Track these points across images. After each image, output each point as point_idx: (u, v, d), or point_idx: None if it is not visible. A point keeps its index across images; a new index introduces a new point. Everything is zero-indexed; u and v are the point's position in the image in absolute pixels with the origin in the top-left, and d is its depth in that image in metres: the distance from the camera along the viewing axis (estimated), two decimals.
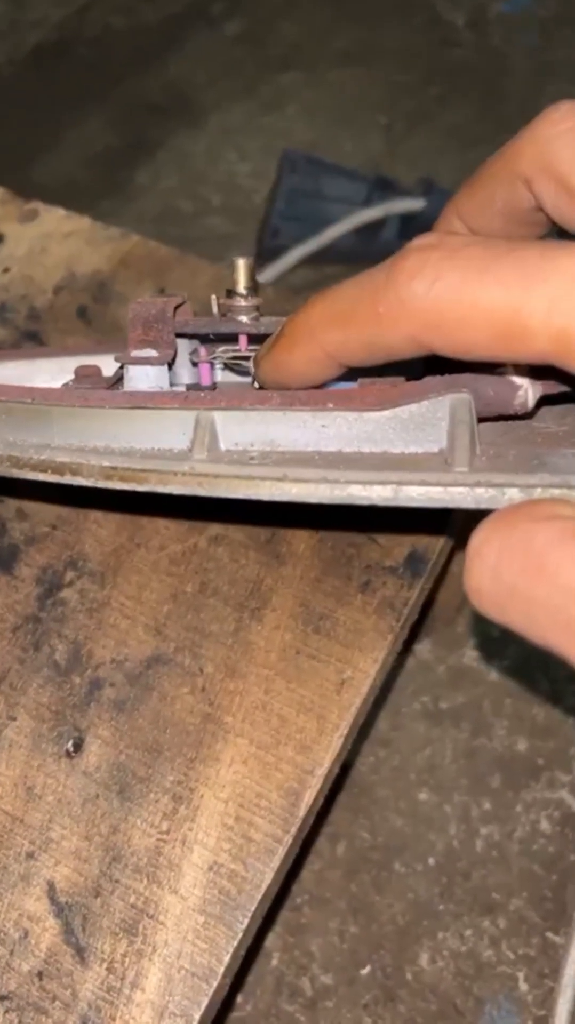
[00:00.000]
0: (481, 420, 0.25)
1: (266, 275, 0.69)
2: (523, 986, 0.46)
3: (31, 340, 0.43)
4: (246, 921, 0.29)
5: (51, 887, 0.30)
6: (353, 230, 0.72)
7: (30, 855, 0.30)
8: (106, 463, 0.27)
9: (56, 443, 0.28)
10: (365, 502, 0.24)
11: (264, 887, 0.29)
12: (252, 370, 0.29)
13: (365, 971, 0.46)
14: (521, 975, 0.46)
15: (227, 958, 0.28)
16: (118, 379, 0.31)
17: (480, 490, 0.23)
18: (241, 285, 0.31)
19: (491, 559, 0.19)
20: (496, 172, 0.27)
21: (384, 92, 0.87)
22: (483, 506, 0.23)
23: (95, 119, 0.90)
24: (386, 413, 0.25)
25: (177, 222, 0.80)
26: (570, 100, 0.24)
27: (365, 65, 0.89)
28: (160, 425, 0.27)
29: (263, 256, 0.74)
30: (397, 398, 0.25)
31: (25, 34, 0.98)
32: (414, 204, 0.70)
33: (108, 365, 0.33)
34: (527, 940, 0.47)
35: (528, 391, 0.25)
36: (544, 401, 0.26)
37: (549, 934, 0.47)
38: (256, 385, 0.30)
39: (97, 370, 0.33)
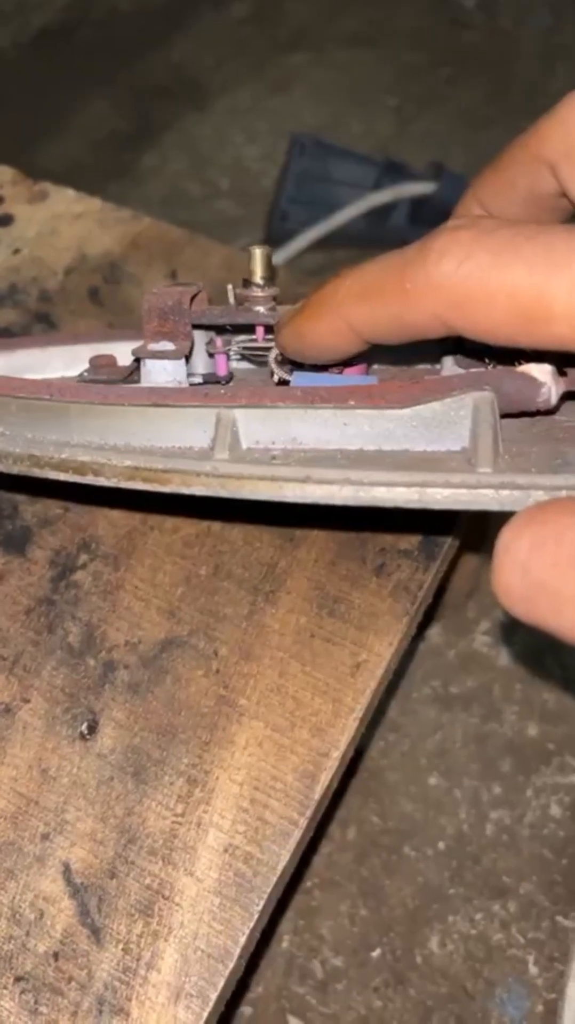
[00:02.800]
0: (503, 416, 0.25)
1: (275, 259, 0.69)
2: (533, 969, 0.46)
3: (42, 322, 0.42)
4: (262, 903, 0.29)
5: (67, 868, 0.30)
6: (363, 214, 0.71)
7: (45, 836, 0.30)
8: (128, 463, 0.27)
9: (75, 440, 0.28)
10: (389, 504, 0.24)
11: (280, 869, 0.29)
12: (273, 368, 0.29)
13: (375, 954, 0.46)
14: (531, 958, 0.46)
15: (243, 939, 0.28)
16: (134, 370, 0.31)
17: (505, 492, 0.23)
18: (258, 275, 0.30)
19: (521, 555, 0.19)
20: (518, 157, 0.26)
21: (393, 73, 0.86)
22: (508, 508, 0.23)
23: (101, 102, 0.89)
24: (408, 411, 0.25)
25: (185, 205, 0.79)
26: (448, 233, 0.22)
27: (374, 46, 0.89)
28: (181, 423, 0.27)
29: (272, 240, 0.74)
30: (419, 395, 0.25)
31: (30, 16, 0.97)
32: (424, 188, 0.69)
33: (122, 353, 0.33)
34: (537, 924, 0.47)
35: (551, 388, 0.25)
36: (566, 396, 0.26)
37: (559, 918, 0.47)
38: (276, 379, 0.29)
39: (112, 360, 0.33)
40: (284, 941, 0.47)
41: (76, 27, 0.94)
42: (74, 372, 0.35)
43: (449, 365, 0.29)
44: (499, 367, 0.26)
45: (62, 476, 0.28)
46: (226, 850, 0.30)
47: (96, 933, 0.29)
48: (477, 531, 0.47)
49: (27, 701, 0.33)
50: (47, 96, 0.89)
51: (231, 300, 0.31)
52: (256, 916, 0.29)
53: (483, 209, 0.28)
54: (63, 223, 0.45)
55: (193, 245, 0.44)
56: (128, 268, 0.44)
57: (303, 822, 0.30)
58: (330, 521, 0.35)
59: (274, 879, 0.29)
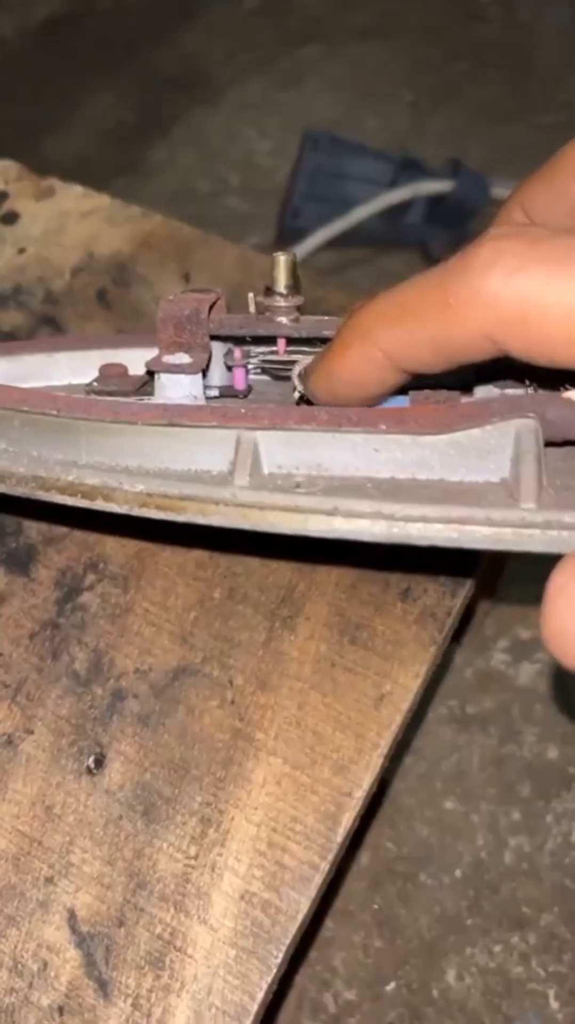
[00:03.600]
0: (546, 444, 0.23)
1: None
2: (554, 1004, 0.44)
3: (48, 325, 0.40)
4: (280, 955, 0.27)
5: (72, 915, 0.28)
6: (378, 212, 0.69)
7: (49, 880, 0.28)
8: (140, 487, 0.25)
9: (84, 460, 0.26)
10: (426, 543, 0.22)
11: (300, 918, 0.27)
12: (296, 383, 0.27)
13: (390, 987, 0.45)
14: (552, 992, 0.45)
15: (261, 995, 0.26)
16: (147, 381, 0.29)
17: (552, 532, 0.21)
18: (282, 283, 0.28)
19: None
20: (569, 165, 0.24)
21: (408, 67, 0.84)
22: (554, 550, 0.21)
23: (108, 94, 0.87)
24: (444, 438, 0.23)
25: (194, 201, 0.77)
26: (491, 241, 0.20)
27: (388, 39, 0.87)
28: (198, 445, 0.25)
29: (283, 238, 0.72)
30: (456, 421, 0.23)
31: (35, 5, 0.95)
32: (442, 186, 0.67)
33: (134, 361, 0.31)
34: (558, 957, 0.45)
35: None
36: None
37: None
38: (298, 395, 0.27)
39: (123, 369, 0.31)
40: (296, 974, 0.45)
41: (83, 17, 0.92)
42: (82, 380, 0.32)
43: (483, 391, 0.27)
44: (542, 392, 0.24)
45: (69, 500, 0.26)
46: (242, 897, 0.28)
47: (103, 986, 0.27)
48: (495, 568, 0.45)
49: (30, 732, 0.31)
50: (52, 87, 0.87)
51: (252, 309, 0.29)
52: (275, 969, 0.27)
53: (527, 218, 0.26)
54: (71, 221, 0.43)
55: (207, 245, 0.42)
56: (138, 269, 0.42)
57: (325, 866, 0.28)
58: (346, 556, 0.33)
59: (293, 929, 0.27)
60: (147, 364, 0.28)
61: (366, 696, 0.31)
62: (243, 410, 0.25)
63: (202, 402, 0.28)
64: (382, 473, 0.24)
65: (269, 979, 0.27)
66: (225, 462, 0.25)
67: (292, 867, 0.28)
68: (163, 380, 0.27)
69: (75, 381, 0.33)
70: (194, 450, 0.25)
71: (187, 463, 0.25)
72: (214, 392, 0.30)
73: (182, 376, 0.27)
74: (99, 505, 0.25)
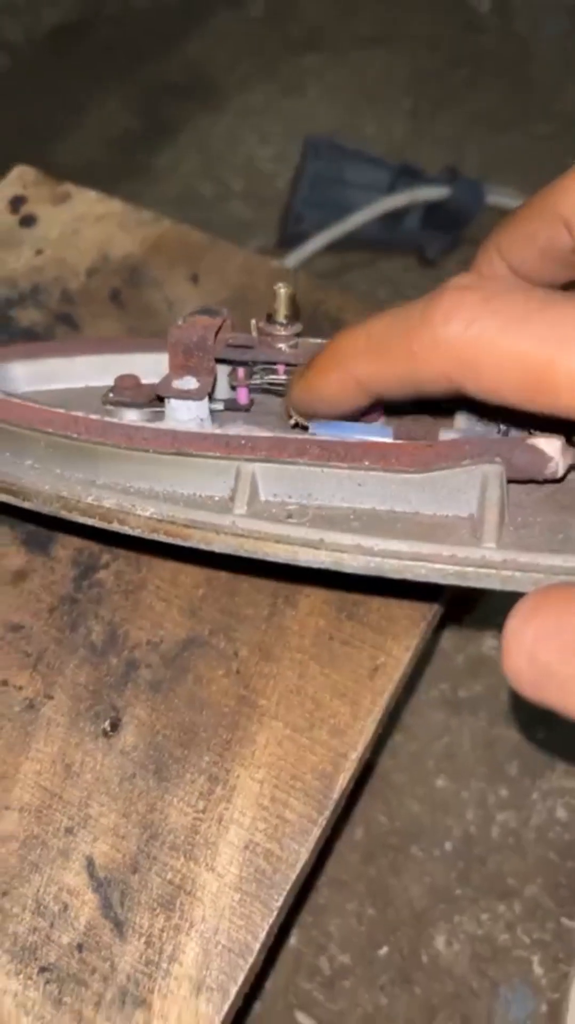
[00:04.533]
0: (510, 482, 0.26)
1: (289, 261, 0.69)
2: (538, 970, 0.47)
3: (64, 323, 0.43)
4: (281, 899, 0.29)
5: (90, 862, 0.30)
6: (376, 218, 0.72)
7: (69, 830, 0.31)
8: (151, 510, 0.28)
9: (101, 481, 0.29)
10: (397, 576, 0.25)
11: (299, 866, 0.30)
12: (286, 401, 0.30)
13: (382, 952, 0.47)
14: (536, 959, 0.47)
15: (263, 935, 0.29)
16: (158, 396, 0.31)
17: (507, 572, 0.24)
18: (282, 314, 0.31)
19: (527, 642, 0.20)
20: (538, 212, 0.27)
21: (408, 75, 0.87)
22: (510, 588, 0.24)
23: (114, 100, 0.90)
24: (420, 476, 0.26)
25: (198, 206, 0.79)
26: (451, 291, 0.23)
27: (388, 47, 0.89)
28: (202, 472, 0.28)
29: (285, 242, 0.74)
30: (431, 460, 0.26)
31: (43, 12, 0.97)
32: (439, 193, 0.70)
33: (146, 368, 0.33)
34: (542, 925, 0.47)
35: (559, 463, 0.25)
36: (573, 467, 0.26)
37: (564, 920, 0.48)
38: (291, 418, 0.30)
39: (136, 380, 0.33)
40: (292, 938, 0.48)
41: (90, 24, 0.95)
42: (99, 382, 0.35)
43: (461, 421, 0.29)
44: (510, 437, 0.27)
45: (89, 521, 0.29)
46: (246, 847, 0.30)
47: (119, 926, 0.29)
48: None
49: (51, 698, 0.33)
50: (60, 93, 0.89)
51: (253, 333, 0.32)
52: (276, 912, 0.29)
53: (502, 258, 0.28)
54: (85, 224, 0.46)
55: (214, 249, 0.45)
56: (149, 271, 0.44)
57: (322, 820, 0.31)
58: (328, 581, 0.35)
59: (293, 876, 0.30)
60: (158, 390, 0.30)
61: (361, 667, 0.33)
62: (243, 441, 0.28)
63: (208, 423, 0.30)
64: (364, 504, 0.27)
65: (271, 920, 0.29)
66: (226, 489, 0.28)
67: (292, 820, 0.31)
68: (173, 403, 0.30)
69: (92, 384, 0.35)
70: (199, 477, 0.28)
71: (193, 488, 0.28)
72: (219, 406, 0.32)
73: (190, 401, 0.30)
74: (114, 527, 0.28)
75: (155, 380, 0.32)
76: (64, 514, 0.29)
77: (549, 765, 0.51)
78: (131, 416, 0.31)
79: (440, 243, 0.71)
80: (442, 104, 0.83)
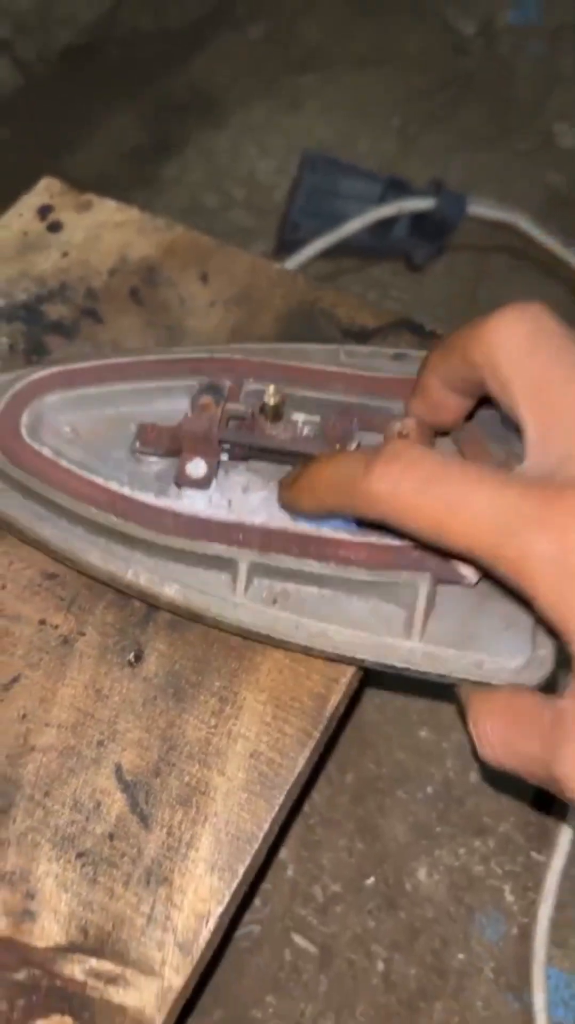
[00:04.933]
0: (442, 581, 0.35)
1: (287, 265, 0.75)
2: (509, 898, 0.52)
3: (89, 317, 0.48)
4: (282, 797, 0.35)
5: (118, 768, 0.36)
6: (367, 226, 0.78)
7: (100, 743, 0.36)
8: (175, 587, 0.37)
9: (135, 556, 0.38)
10: (351, 653, 0.35)
11: (297, 771, 0.35)
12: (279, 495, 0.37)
13: (370, 882, 0.52)
14: (507, 888, 0.52)
15: (266, 826, 0.34)
16: (177, 451, 0.39)
17: (426, 665, 0.35)
18: (270, 414, 0.39)
19: (492, 735, 0.31)
20: (458, 350, 0.33)
21: (398, 95, 0.93)
22: (430, 670, 0.35)
23: (124, 116, 0.95)
24: (370, 574, 0.35)
25: (203, 215, 0.85)
26: (517, 307, 0.31)
27: (380, 69, 0.95)
28: (209, 555, 0.36)
29: (283, 248, 0.80)
30: (380, 563, 0.35)
31: (55, 33, 1.03)
32: (424, 204, 0.76)
33: (169, 410, 0.41)
34: (513, 859, 0.53)
35: (471, 578, 0.35)
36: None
37: (533, 853, 0.53)
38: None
39: (157, 431, 0.40)
40: (289, 870, 0.53)
41: (101, 45, 1.00)
42: (130, 407, 0.41)
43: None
44: (440, 559, 0.35)
45: (130, 591, 0.38)
46: (252, 755, 0.36)
47: (144, 820, 0.35)
48: None
49: (83, 634, 0.38)
50: (73, 109, 0.95)
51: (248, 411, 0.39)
52: (277, 808, 0.35)
53: (437, 378, 0.35)
54: (106, 230, 0.51)
55: (222, 252, 0.50)
56: (164, 272, 0.50)
57: (316, 734, 0.36)
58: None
59: (292, 779, 0.35)
60: (175, 479, 0.38)
61: None
62: (241, 536, 0.36)
63: (217, 499, 0.38)
64: (331, 587, 0.36)
65: (273, 814, 0.34)
66: (228, 573, 0.37)
67: (290, 734, 0.36)
68: (186, 491, 0.38)
69: (123, 409, 0.41)
70: (208, 559, 0.37)
71: (206, 565, 0.37)
72: (225, 456, 0.39)
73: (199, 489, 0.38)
74: (151, 601, 0.38)
75: (174, 416, 0.40)
76: (110, 583, 0.39)
77: None
78: (158, 469, 0.40)
79: (426, 250, 0.77)
80: (429, 122, 0.89)
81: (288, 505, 0.36)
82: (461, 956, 0.51)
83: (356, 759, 0.56)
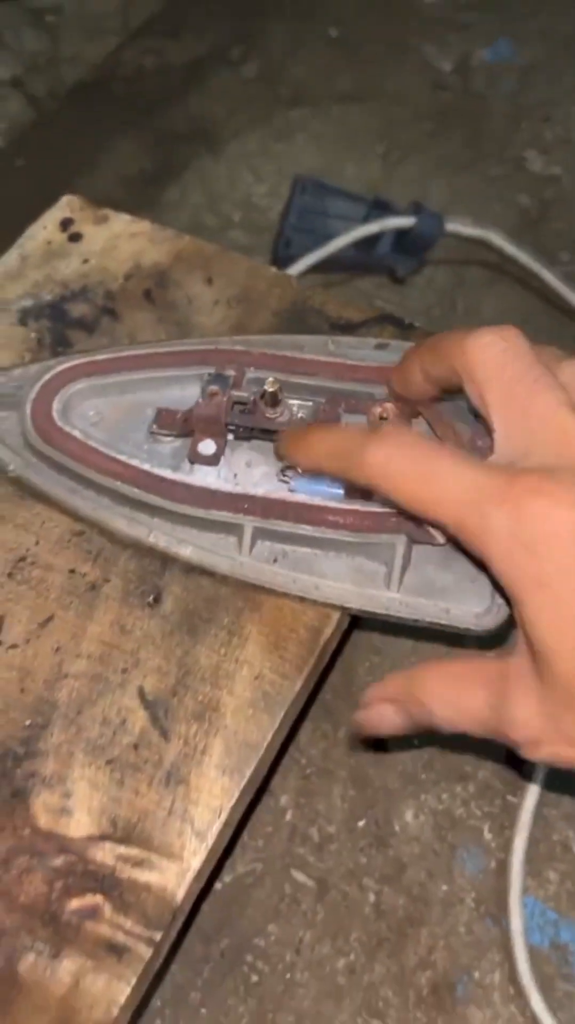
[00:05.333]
0: (416, 542, 0.42)
1: None
2: (487, 835, 0.57)
3: (108, 315, 0.55)
4: (282, 712, 0.40)
5: (141, 691, 0.41)
6: (353, 243, 0.85)
7: (124, 670, 0.42)
8: (189, 550, 0.44)
9: (155, 522, 0.44)
10: (342, 603, 0.42)
11: (295, 690, 0.41)
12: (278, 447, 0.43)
13: (361, 823, 0.57)
14: (486, 827, 0.58)
15: (269, 735, 0.40)
16: (190, 432, 0.45)
17: (405, 611, 0.42)
18: (270, 400, 0.45)
19: (440, 696, 0.37)
20: (442, 354, 0.39)
21: (382, 126, 1.00)
22: (406, 615, 0.42)
23: (129, 146, 1.03)
24: (357, 536, 0.42)
25: (204, 234, 0.92)
26: (496, 328, 0.37)
27: (364, 103, 1.03)
28: (219, 521, 0.43)
29: (277, 263, 0.87)
30: (365, 527, 0.42)
31: (64, 71, 1.11)
32: (405, 222, 0.83)
33: (182, 396, 0.47)
34: (491, 801, 0.58)
35: (440, 539, 0.41)
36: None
37: (508, 797, 0.58)
38: (282, 459, 0.44)
39: (172, 416, 0.46)
40: (288, 815, 0.58)
41: (107, 82, 1.08)
42: (148, 393, 0.48)
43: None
44: (415, 523, 0.41)
45: (153, 554, 0.44)
46: (256, 678, 0.41)
47: (164, 732, 0.40)
48: None
49: (108, 581, 0.44)
50: (82, 141, 1.02)
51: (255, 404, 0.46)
52: (279, 721, 0.40)
53: (419, 368, 0.41)
54: (122, 240, 0.58)
55: (224, 257, 0.57)
56: (173, 275, 0.56)
57: (312, 660, 0.42)
58: None
59: (291, 697, 0.41)
60: (188, 455, 0.45)
61: None
62: (246, 505, 0.42)
63: (225, 473, 0.45)
64: (323, 548, 0.42)
65: (275, 727, 0.40)
66: (234, 536, 0.43)
67: (290, 659, 0.42)
68: (197, 467, 0.45)
69: (141, 395, 0.48)
70: (217, 524, 0.43)
71: (215, 530, 0.43)
72: (230, 437, 0.46)
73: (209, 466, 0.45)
74: (170, 560, 0.44)
75: (186, 401, 0.46)
76: (134, 544, 0.45)
77: None
78: (172, 447, 0.46)
79: (408, 264, 0.84)
80: (410, 150, 0.97)
81: (285, 455, 0.42)
82: (445, 887, 0.56)
83: (348, 716, 0.61)
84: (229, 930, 0.54)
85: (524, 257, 0.82)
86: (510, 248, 0.84)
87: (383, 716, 0.37)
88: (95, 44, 1.14)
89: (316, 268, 0.85)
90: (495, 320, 0.42)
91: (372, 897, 0.55)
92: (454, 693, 0.35)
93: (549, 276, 0.80)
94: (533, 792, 0.56)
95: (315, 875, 0.56)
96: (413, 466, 0.34)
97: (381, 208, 0.84)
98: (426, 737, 0.59)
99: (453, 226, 0.85)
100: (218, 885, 0.55)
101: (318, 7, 1.12)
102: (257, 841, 0.57)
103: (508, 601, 0.35)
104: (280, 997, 0.52)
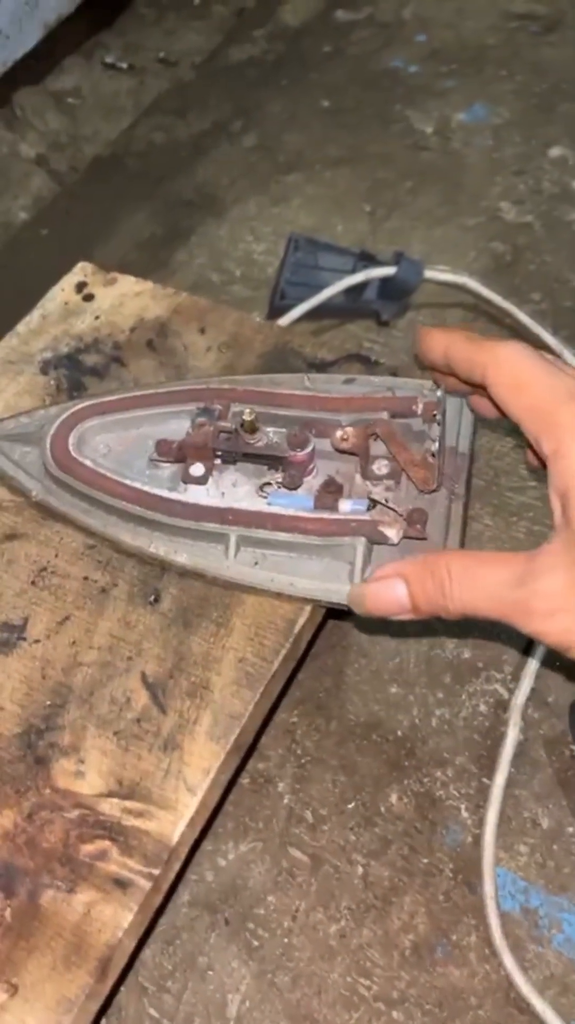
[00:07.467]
0: (374, 543, 0.49)
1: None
2: (465, 814, 0.63)
3: (116, 362, 0.64)
4: (262, 688, 0.48)
5: (143, 675, 0.49)
6: (342, 292, 0.94)
7: (129, 658, 0.49)
8: (184, 557, 0.50)
9: (155, 535, 0.51)
10: (310, 596, 0.49)
11: (273, 670, 0.48)
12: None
13: (351, 806, 0.64)
14: (463, 807, 0.63)
15: (250, 707, 0.47)
16: (183, 457, 0.53)
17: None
18: (249, 429, 0.53)
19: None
20: (474, 352, 0.45)
21: (368, 186, 1.10)
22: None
23: (142, 213, 1.14)
24: (325, 540, 0.49)
25: (208, 290, 1.02)
26: (516, 347, 0.43)
27: (352, 166, 1.13)
28: (209, 535, 0.50)
29: (274, 313, 0.96)
30: (330, 531, 0.49)
31: (83, 148, 1.23)
32: (387, 271, 0.91)
33: (178, 423, 0.55)
34: (468, 784, 0.64)
35: (395, 538, 0.48)
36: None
37: (484, 779, 0.64)
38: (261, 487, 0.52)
39: (170, 445, 0.54)
40: (285, 799, 0.65)
41: (122, 157, 1.20)
42: (150, 428, 0.56)
43: (345, 504, 0.52)
44: (374, 517, 0.49)
45: (152, 561, 0.51)
46: (239, 661, 0.49)
47: (162, 708, 0.48)
48: None
49: (116, 585, 0.52)
50: (100, 209, 1.13)
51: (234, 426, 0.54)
52: (259, 695, 0.47)
53: (441, 343, 0.47)
54: (128, 298, 0.67)
55: (216, 311, 0.66)
56: (172, 327, 0.65)
57: (287, 645, 0.49)
58: None
59: (269, 676, 0.48)
60: (182, 478, 0.52)
61: None
62: (231, 517, 0.50)
63: (213, 492, 0.52)
64: (296, 551, 0.50)
65: (256, 699, 0.47)
66: (222, 544, 0.50)
67: (268, 645, 0.49)
68: (190, 487, 0.52)
69: (144, 430, 0.56)
70: (207, 534, 0.50)
71: (204, 540, 0.50)
72: (217, 461, 0.54)
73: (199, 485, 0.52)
74: (167, 566, 0.51)
75: (182, 433, 0.53)
76: (143, 557, 0.52)
77: (474, 675, 0.69)
78: (170, 472, 0.53)
79: (392, 309, 0.93)
80: (393, 207, 1.06)
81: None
82: (425, 860, 0.62)
83: (338, 711, 0.68)
84: (233, 901, 0.61)
85: (497, 299, 0.91)
86: (485, 291, 0.92)
87: (393, 591, 0.40)
88: (110, 123, 1.27)
89: (309, 315, 0.94)
90: None
91: (360, 870, 0.61)
92: (474, 571, 0.37)
93: (521, 315, 0.88)
94: (503, 771, 0.62)
95: (309, 852, 0.62)
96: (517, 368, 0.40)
97: (366, 259, 0.93)
98: (422, 628, 0.65)
99: (432, 273, 0.93)
100: (222, 862, 0.61)
101: (312, 80, 1.23)
102: (258, 823, 0.63)
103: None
104: (279, 959, 0.59)
